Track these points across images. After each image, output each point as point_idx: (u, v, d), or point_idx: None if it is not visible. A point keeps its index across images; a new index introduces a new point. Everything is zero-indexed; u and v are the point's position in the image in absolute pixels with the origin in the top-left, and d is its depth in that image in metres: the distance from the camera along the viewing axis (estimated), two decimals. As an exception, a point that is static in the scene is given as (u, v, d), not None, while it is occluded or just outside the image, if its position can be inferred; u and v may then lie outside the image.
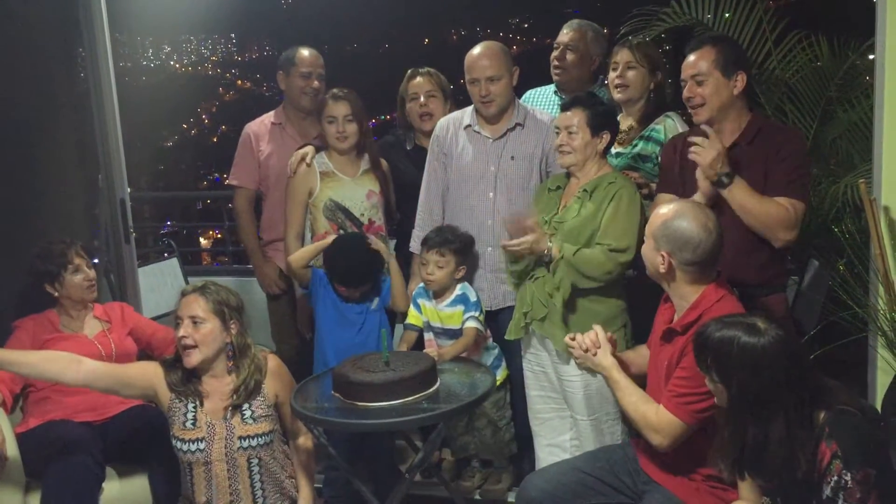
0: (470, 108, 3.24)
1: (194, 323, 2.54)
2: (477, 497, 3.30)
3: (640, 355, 2.58)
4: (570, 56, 3.53)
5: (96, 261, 3.58)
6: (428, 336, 3.16)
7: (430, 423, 2.67)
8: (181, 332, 2.54)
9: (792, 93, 3.97)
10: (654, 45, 3.34)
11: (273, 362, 2.72)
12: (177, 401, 2.59)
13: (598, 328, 2.47)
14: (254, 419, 2.59)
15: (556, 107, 3.53)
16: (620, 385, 2.36)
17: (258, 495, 2.61)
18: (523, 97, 3.56)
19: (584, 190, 2.78)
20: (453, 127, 3.24)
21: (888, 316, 2.71)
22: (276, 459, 2.65)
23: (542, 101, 3.65)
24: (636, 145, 3.14)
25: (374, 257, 3.12)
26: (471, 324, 3.02)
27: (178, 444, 2.57)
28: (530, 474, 2.64)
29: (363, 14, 38.01)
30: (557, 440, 2.95)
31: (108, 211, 3.79)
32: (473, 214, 3.17)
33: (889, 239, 2.75)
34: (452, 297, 3.08)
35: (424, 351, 2.96)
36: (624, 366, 2.44)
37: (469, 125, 3.20)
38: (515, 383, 3.15)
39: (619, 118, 3.06)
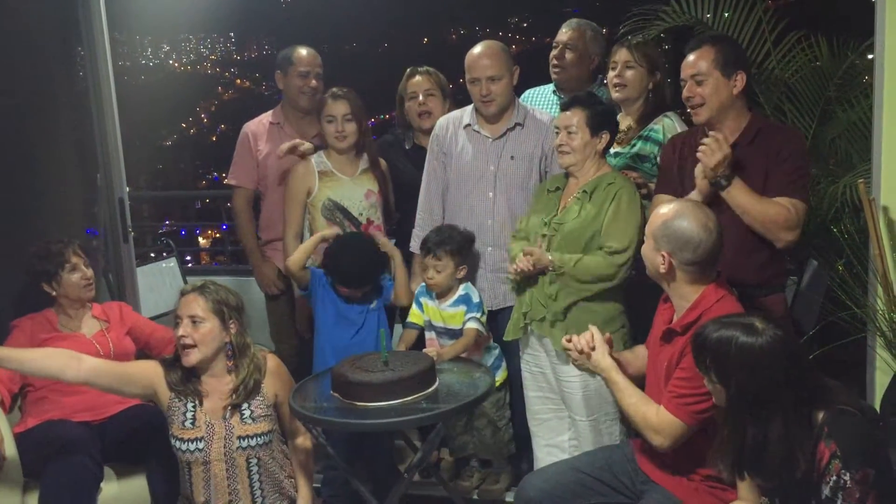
0: (470, 108, 3.24)
1: (194, 322, 2.54)
2: (475, 497, 3.30)
3: (637, 356, 2.58)
4: (568, 55, 3.52)
5: (95, 260, 3.57)
6: (429, 335, 3.16)
7: (428, 423, 2.67)
8: (180, 332, 2.54)
9: (791, 92, 3.97)
10: (653, 44, 3.34)
11: (272, 362, 2.72)
12: (176, 400, 2.59)
13: (594, 329, 2.47)
14: (253, 419, 2.59)
15: (555, 106, 3.53)
16: (620, 386, 2.36)
17: (257, 495, 2.61)
18: (522, 96, 3.56)
19: (584, 191, 2.78)
20: (453, 126, 3.24)
21: (887, 316, 2.71)
22: (275, 459, 2.65)
23: (541, 100, 3.65)
24: (634, 145, 3.14)
25: (377, 257, 3.12)
26: (471, 324, 3.02)
27: (178, 444, 2.57)
28: (529, 474, 2.65)
29: (362, 13, 38.00)
30: (556, 440, 2.95)
31: (106, 210, 3.79)
32: (473, 214, 3.17)
33: (888, 239, 2.74)
34: (455, 297, 3.07)
35: (423, 350, 2.96)
36: (621, 366, 2.43)
37: (469, 124, 3.20)
38: (514, 384, 3.15)
39: (618, 118, 3.06)
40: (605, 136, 2.79)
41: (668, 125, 3.10)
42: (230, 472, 2.57)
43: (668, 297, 2.40)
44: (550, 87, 3.67)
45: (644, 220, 2.57)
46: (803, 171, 2.58)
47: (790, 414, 1.85)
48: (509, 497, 3.21)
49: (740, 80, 2.57)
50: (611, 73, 3.21)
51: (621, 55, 3.17)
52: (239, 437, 2.56)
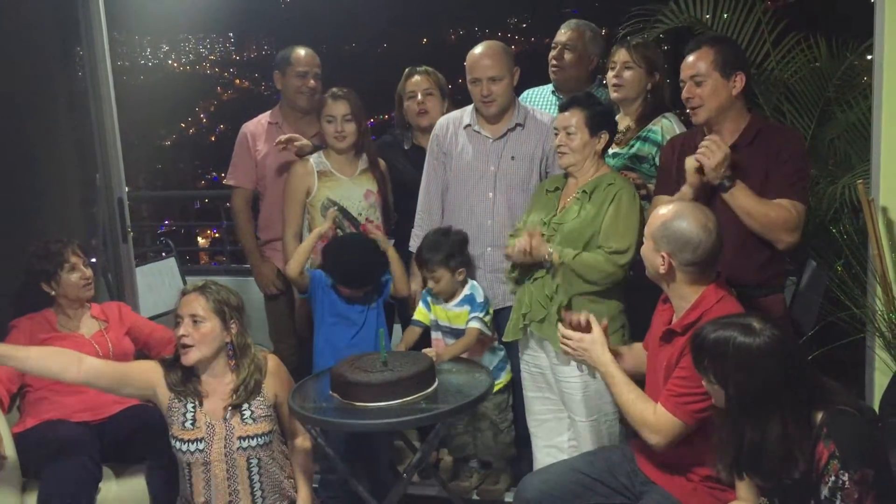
0: (470, 108, 3.24)
1: (194, 322, 2.54)
2: (475, 497, 3.30)
3: (633, 352, 2.57)
4: (567, 56, 3.53)
5: (94, 260, 3.57)
6: (436, 335, 3.15)
7: (427, 424, 2.67)
8: (181, 331, 2.54)
9: (790, 93, 3.98)
10: (653, 45, 3.34)
11: (272, 362, 2.72)
12: (176, 401, 2.59)
13: (592, 318, 2.45)
14: (253, 419, 2.59)
15: (553, 107, 3.53)
16: (617, 381, 2.35)
17: (257, 496, 2.60)
18: (521, 97, 3.56)
19: (584, 191, 2.78)
20: (453, 126, 3.24)
21: (886, 317, 2.71)
22: (275, 460, 2.65)
23: (540, 100, 3.65)
24: (633, 146, 3.14)
25: (377, 257, 3.12)
26: (474, 324, 3.01)
27: (178, 445, 2.56)
28: (528, 475, 2.64)
29: (362, 13, 37.97)
30: (555, 441, 2.95)
31: (105, 210, 3.79)
32: (473, 214, 3.17)
33: (887, 239, 2.75)
34: (460, 297, 3.07)
35: (423, 351, 2.96)
36: (617, 358, 2.42)
37: (469, 125, 3.20)
38: (517, 385, 3.15)
39: (616, 118, 3.06)
40: (604, 137, 2.79)
41: (666, 126, 3.10)
42: (230, 473, 2.57)
43: (667, 298, 2.40)
44: (549, 87, 3.67)
45: (644, 221, 2.57)
46: (803, 172, 2.59)
47: (789, 414, 1.85)
48: (508, 497, 3.21)
49: (739, 81, 2.57)
50: (610, 74, 3.21)
51: (620, 56, 3.17)
52: (239, 438, 2.56)
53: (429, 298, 3.16)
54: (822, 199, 3.61)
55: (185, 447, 2.55)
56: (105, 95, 3.69)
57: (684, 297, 2.30)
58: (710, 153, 2.47)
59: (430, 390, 2.62)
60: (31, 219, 3.52)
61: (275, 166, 3.59)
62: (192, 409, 2.58)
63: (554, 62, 3.56)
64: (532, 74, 3.62)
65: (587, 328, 2.44)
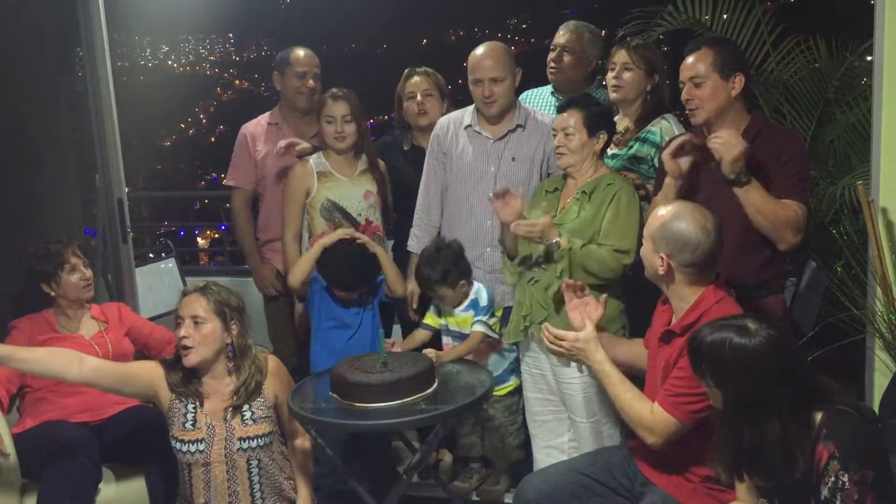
0: (470, 108, 3.24)
1: (195, 323, 2.54)
2: (475, 498, 3.30)
3: (633, 345, 2.57)
4: (566, 58, 3.53)
5: (93, 261, 3.57)
6: (446, 339, 3.14)
7: (427, 424, 2.67)
8: (182, 333, 2.54)
9: (790, 94, 3.98)
10: (653, 46, 3.33)
11: (273, 363, 2.72)
12: (177, 401, 2.59)
13: (589, 316, 2.46)
14: (254, 420, 2.59)
15: (553, 108, 3.53)
16: (613, 380, 2.34)
17: (257, 497, 2.60)
18: (520, 97, 3.56)
19: (583, 192, 2.78)
20: (453, 127, 3.24)
21: (886, 318, 2.71)
22: (274, 461, 2.65)
23: (540, 101, 3.65)
24: (632, 147, 3.14)
25: (370, 259, 3.12)
26: (477, 327, 3.01)
27: (178, 445, 2.56)
28: (528, 475, 2.64)
29: (362, 14, 37.98)
30: (555, 442, 2.95)
31: (105, 211, 3.79)
32: (472, 215, 3.17)
33: (887, 240, 2.75)
34: (467, 301, 3.07)
35: (426, 350, 2.96)
36: (615, 345, 2.42)
37: (469, 125, 3.20)
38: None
39: (616, 119, 3.06)
40: (603, 137, 2.79)
41: (665, 127, 3.10)
42: (230, 474, 2.56)
43: (666, 299, 2.40)
44: (549, 88, 3.67)
45: (643, 222, 2.57)
46: (804, 174, 2.59)
47: (788, 414, 1.85)
48: (508, 498, 3.21)
49: (739, 82, 2.57)
50: (609, 75, 3.21)
51: (620, 57, 3.17)
52: (240, 439, 2.56)
53: (437, 303, 3.16)
54: (822, 200, 3.61)
55: (185, 448, 2.55)
56: (105, 96, 3.69)
57: (683, 298, 2.30)
58: (730, 146, 2.43)
59: (429, 391, 2.62)
60: (31, 219, 3.52)
61: (274, 167, 3.59)
62: (193, 410, 2.57)
63: (553, 64, 3.56)
64: (532, 75, 3.62)
65: (582, 290, 2.47)
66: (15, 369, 2.61)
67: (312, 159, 3.38)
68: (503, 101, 3.12)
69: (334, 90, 3.35)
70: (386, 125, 4.42)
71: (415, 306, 3.29)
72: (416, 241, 3.29)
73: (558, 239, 2.67)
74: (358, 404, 2.54)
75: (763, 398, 1.86)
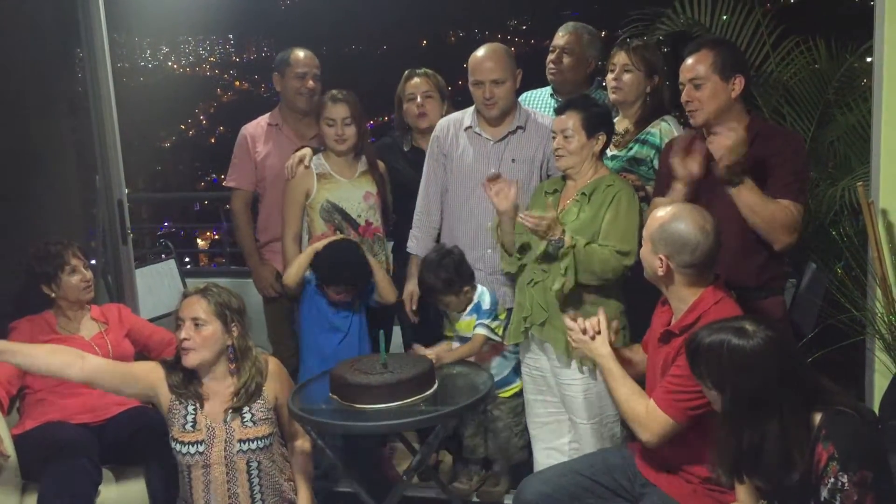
0: (471, 110, 3.24)
1: (196, 325, 2.54)
2: (474, 499, 3.29)
3: (636, 355, 2.57)
4: (566, 59, 3.52)
5: (93, 262, 3.57)
6: (455, 345, 3.14)
7: (427, 426, 2.67)
8: (183, 334, 2.54)
9: (790, 95, 3.97)
10: (653, 48, 3.33)
11: (273, 365, 2.72)
12: (177, 402, 2.59)
13: (601, 315, 2.45)
14: (254, 422, 2.59)
15: (552, 109, 3.53)
16: (615, 375, 2.35)
17: (257, 499, 2.60)
18: (520, 99, 3.56)
19: (583, 193, 2.78)
20: (454, 128, 3.24)
21: (886, 319, 2.71)
22: (274, 462, 2.64)
23: (539, 103, 3.64)
24: (631, 148, 3.14)
25: (363, 256, 3.14)
26: (479, 330, 3.02)
27: (178, 447, 2.56)
28: (528, 477, 2.64)
29: (361, 15, 38.00)
30: (556, 443, 2.95)
31: (105, 212, 3.79)
32: (472, 216, 3.17)
33: (887, 242, 2.75)
34: (471, 306, 3.07)
35: (426, 351, 2.96)
36: (622, 361, 2.42)
37: (470, 126, 3.20)
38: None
39: (615, 120, 3.05)
40: (602, 138, 2.79)
41: (665, 129, 3.10)
42: (230, 476, 2.56)
43: (665, 300, 2.40)
44: (548, 89, 3.66)
45: (643, 223, 2.57)
46: (803, 174, 2.59)
47: (787, 415, 1.85)
48: (508, 499, 3.21)
49: (738, 83, 2.57)
50: (609, 76, 3.21)
51: (620, 58, 3.17)
52: (240, 441, 2.56)
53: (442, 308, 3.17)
54: (821, 202, 3.61)
55: (185, 449, 2.55)
56: (105, 97, 3.69)
57: (683, 299, 2.30)
58: (731, 137, 2.41)
59: (429, 392, 2.62)
60: (31, 220, 3.52)
61: (274, 168, 3.59)
62: (193, 412, 2.57)
63: (552, 65, 3.56)
64: (531, 76, 3.62)
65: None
66: (17, 366, 2.61)
67: (312, 160, 3.37)
68: (504, 103, 3.12)
69: (334, 92, 3.35)
70: (386, 126, 4.42)
71: (414, 308, 3.29)
72: (416, 243, 3.30)
73: (562, 236, 2.67)
74: (358, 405, 2.54)
75: (762, 399, 1.86)
